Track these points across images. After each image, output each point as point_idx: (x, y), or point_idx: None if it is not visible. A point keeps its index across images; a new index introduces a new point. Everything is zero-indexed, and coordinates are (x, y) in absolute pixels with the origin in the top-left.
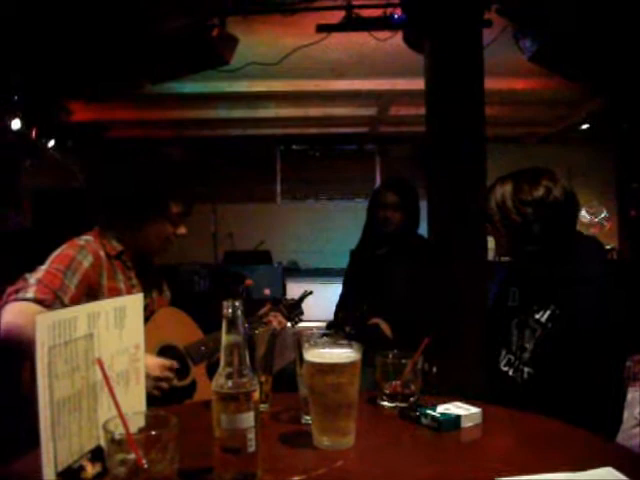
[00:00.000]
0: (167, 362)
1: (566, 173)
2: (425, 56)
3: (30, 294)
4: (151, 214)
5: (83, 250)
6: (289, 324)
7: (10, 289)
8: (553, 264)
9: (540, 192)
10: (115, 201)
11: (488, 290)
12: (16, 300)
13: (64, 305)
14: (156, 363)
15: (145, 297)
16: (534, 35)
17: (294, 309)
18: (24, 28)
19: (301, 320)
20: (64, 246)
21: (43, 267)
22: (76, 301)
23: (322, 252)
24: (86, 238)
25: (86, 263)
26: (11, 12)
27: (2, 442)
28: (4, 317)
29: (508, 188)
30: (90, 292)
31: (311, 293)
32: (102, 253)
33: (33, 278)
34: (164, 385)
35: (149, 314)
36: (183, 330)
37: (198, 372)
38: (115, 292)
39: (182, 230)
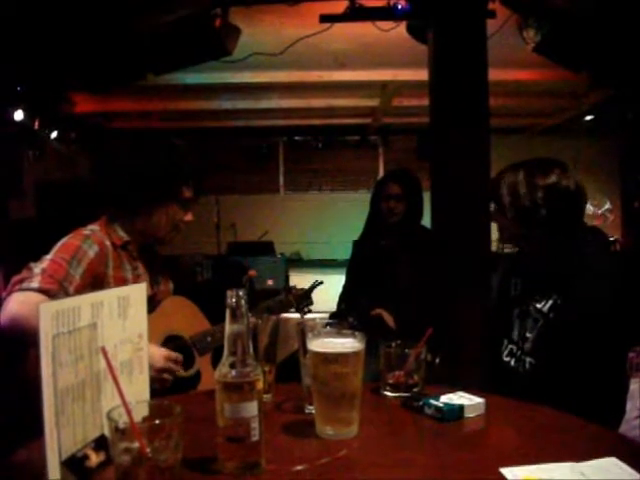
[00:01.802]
0: (172, 354)
1: (571, 164)
2: (429, 46)
3: (35, 284)
4: (164, 195)
5: (88, 240)
6: (298, 314)
7: (15, 278)
8: (557, 254)
9: (552, 179)
10: (128, 182)
11: (490, 281)
12: (21, 290)
13: (68, 295)
14: (160, 354)
15: (152, 287)
16: (538, 26)
17: (304, 299)
18: (26, 19)
19: (310, 310)
20: (69, 236)
21: (48, 257)
22: (81, 291)
23: (325, 243)
24: (92, 227)
25: (91, 253)
26: (13, 3)
27: (6, 431)
28: (8, 307)
29: (521, 174)
30: (96, 282)
31: (321, 283)
32: (108, 243)
33: (38, 268)
34: (167, 377)
35: (156, 304)
36: (190, 320)
37: (203, 363)
38: (122, 282)
39: (189, 217)
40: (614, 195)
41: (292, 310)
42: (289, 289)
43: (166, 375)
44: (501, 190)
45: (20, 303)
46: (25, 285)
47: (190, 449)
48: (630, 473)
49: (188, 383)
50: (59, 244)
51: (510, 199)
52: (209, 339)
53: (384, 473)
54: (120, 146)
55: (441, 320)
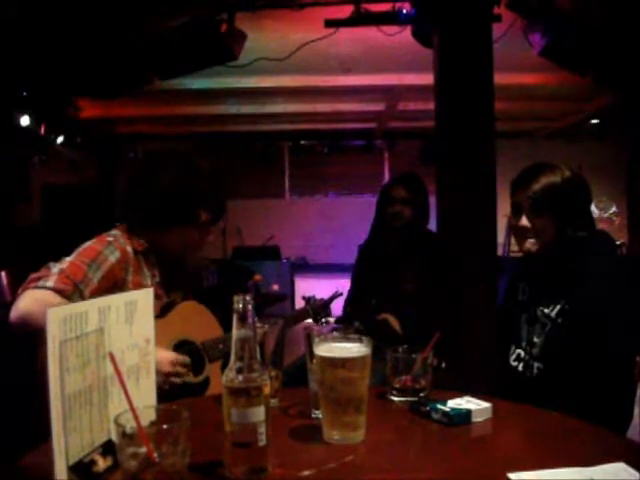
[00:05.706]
0: (180, 357)
1: (576, 168)
2: (434, 51)
3: (50, 283)
4: (178, 221)
5: (110, 245)
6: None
7: (32, 276)
8: (567, 258)
9: (567, 174)
10: (145, 201)
11: (497, 285)
12: (36, 287)
13: (83, 297)
14: (167, 358)
15: (168, 294)
16: (544, 29)
17: (322, 310)
18: (31, 24)
19: (328, 322)
20: (92, 240)
21: (68, 258)
22: (97, 295)
23: (330, 247)
24: (114, 233)
25: (112, 258)
26: (18, 9)
27: (14, 434)
28: (21, 304)
29: (549, 174)
30: (115, 287)
31: (341, 294)
32: (129, 248)
33: (56, 268)
34: (176, 380)
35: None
36: (203, 326)
37: (213, 369)
38: (140, 287)
39: (211, 238)
40: (620, 198)
41: (309, 321)
42: (307, 299)
43: (175, 379)
44: (535, 194)
45: (32, 300)
46: (41, 283)
47: (197, 454)
48: (638, 478)
49: (196, 389)
50: (81, 247)
51: (548, 201)
52: (220, 346)
53: (391, 478)
54: (140, 163)
55: (447, 324)
